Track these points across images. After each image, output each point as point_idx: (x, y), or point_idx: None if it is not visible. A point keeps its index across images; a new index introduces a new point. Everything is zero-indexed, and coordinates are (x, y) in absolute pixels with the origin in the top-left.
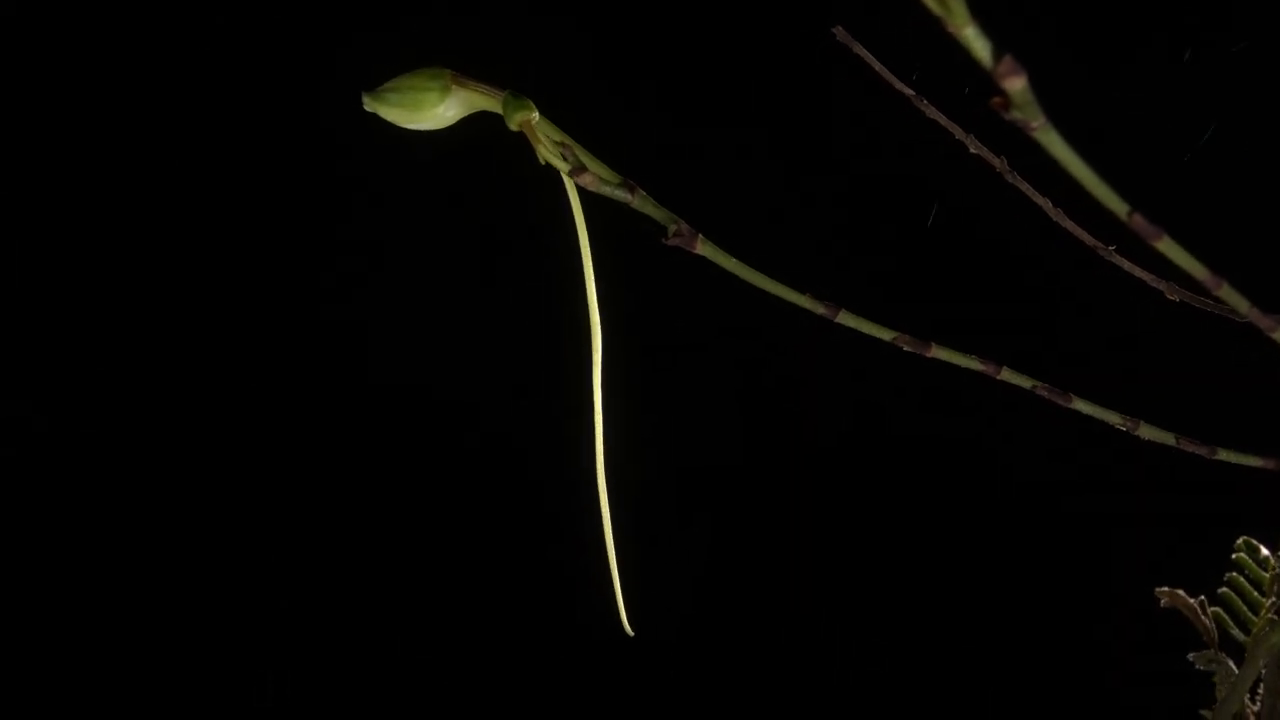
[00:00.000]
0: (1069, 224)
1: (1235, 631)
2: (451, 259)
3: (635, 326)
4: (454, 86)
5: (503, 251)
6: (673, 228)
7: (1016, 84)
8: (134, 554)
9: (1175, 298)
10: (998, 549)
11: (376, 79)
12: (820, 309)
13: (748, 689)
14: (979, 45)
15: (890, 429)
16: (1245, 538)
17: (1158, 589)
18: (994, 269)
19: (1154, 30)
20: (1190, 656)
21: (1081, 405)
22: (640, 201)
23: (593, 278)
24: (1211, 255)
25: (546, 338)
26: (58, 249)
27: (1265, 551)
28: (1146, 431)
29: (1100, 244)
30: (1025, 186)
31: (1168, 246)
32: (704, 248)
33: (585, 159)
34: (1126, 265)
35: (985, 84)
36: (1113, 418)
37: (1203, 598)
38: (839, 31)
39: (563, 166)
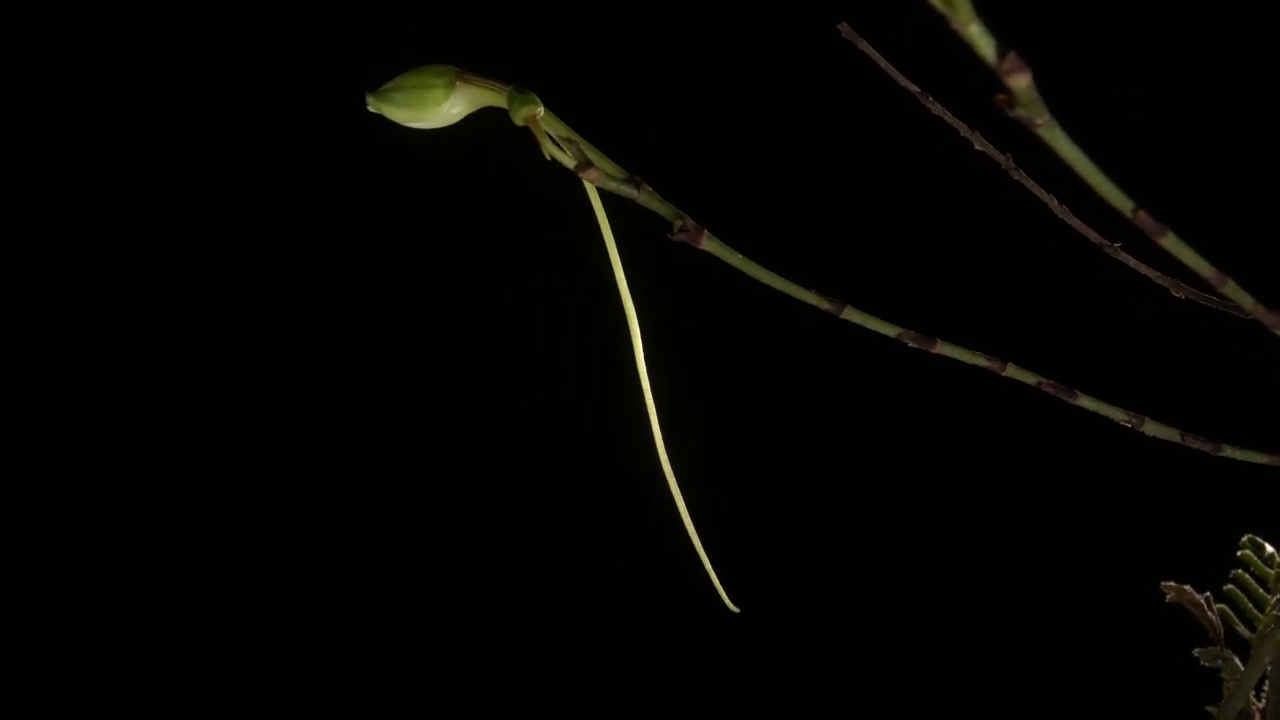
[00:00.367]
0: (1074, 221)
1: (1241, 628)
2: (451, 259)
3: (645, 327)
4: (459, 83)
5: (503, 251)
6: (678, 223)
7: (1021, 81)
8: (134, 554)
9: (1180, 294)
10: (1001, 546)
11: (377, 79)
12: (825, 304)
13: (750, 685)
14: (983, 42)
15: (893, 426)
16: (1250, 535)
17: (1163, 583)
18: (995, 268)
19: (1154, 30)
20: (1196, 652)
21: (1086, 402)
22: (646, 197)
23: (623, 276)
24: (1215, 254)
25: (547, 337)
26: (58, 249)
27: (1270, 549)
28: (1151, 428)
29: (1106, 241)
30: (1030, 183)
31: (1172, 243)
32: (709, 243)
33: (591, 154)
34: (1132, 262)
35: (989, 81)
36: (1118, 414)
37: (1208, 594)
38: (844, 28)
39: (569, 162)
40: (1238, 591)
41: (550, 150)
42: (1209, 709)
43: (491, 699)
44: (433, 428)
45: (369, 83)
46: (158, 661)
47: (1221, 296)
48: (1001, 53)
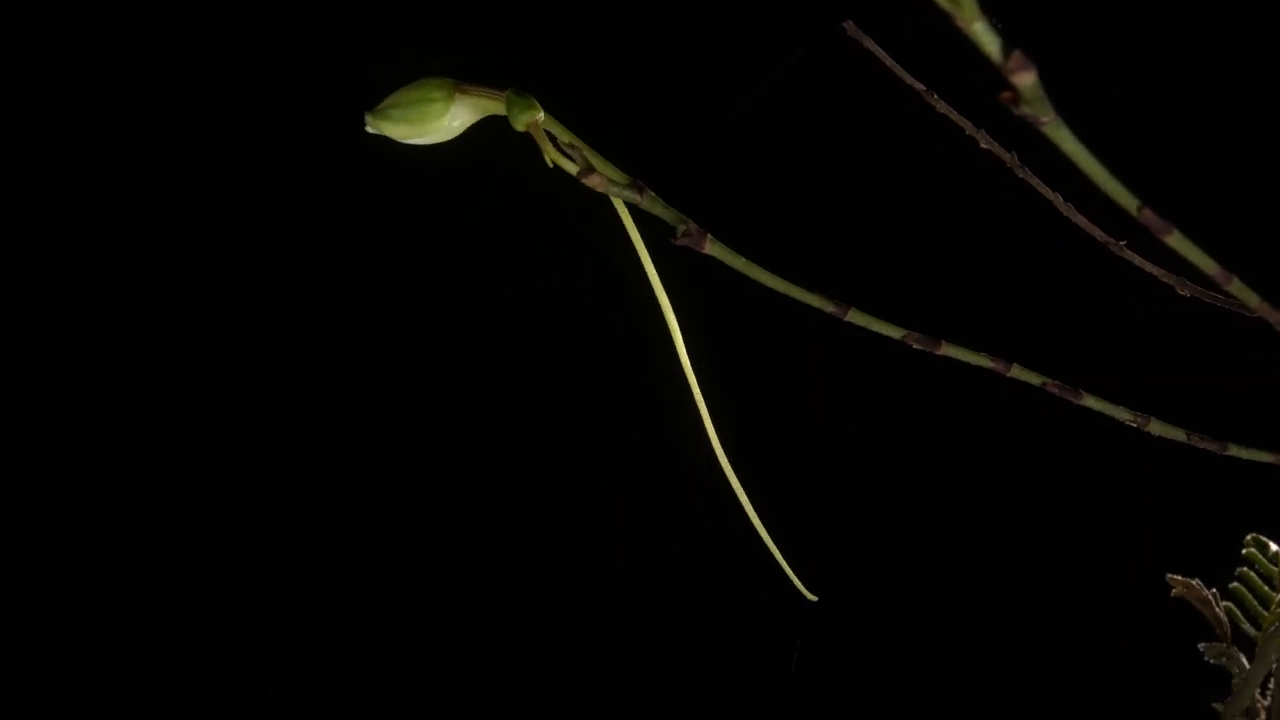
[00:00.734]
0: (1080, 219)
1: (1246, 626)
2: (451, 259)
3: (644, 326)
4: (458, 94)
5: (503, 251)
6: (681, 228)
7: (1026, 79)
8: (134, 554)
9: (1186, 292)
10: (1006, 547)
11: (376, 79)
12: (830, 307)
13: (751, 686)
14: (988, 40)
15: (895, 427)
16: (1254, 534)
17: (1170, 576)
18: (996, 268)
19: (1154, 30)
20: (1201, 647)
21: (1091, 402)
22: (649, 202)
23: (658, 280)
24: (1217, 254)
25: (547, 337)
26: (58, 249)
27: (1275, 547)
28: (1157, 427)
29: (1111, 239)
30: (1036, 181)
31: (1178, 242)
32: (713, 248)
33: (594, 159)
34: (1138, 260)
35: (992, 80)
36: (1123, 414)
37: (1214, 590)
38: (849, 26)
39: (571, 168)
40: (1243, 589)
41: (552, 155)
42: (1215, 706)
43: (492, 699)
44: (433, 428)
45: (369, 89)
46: (158, 661)
47: (1227, 295)
48: (1006, 51)
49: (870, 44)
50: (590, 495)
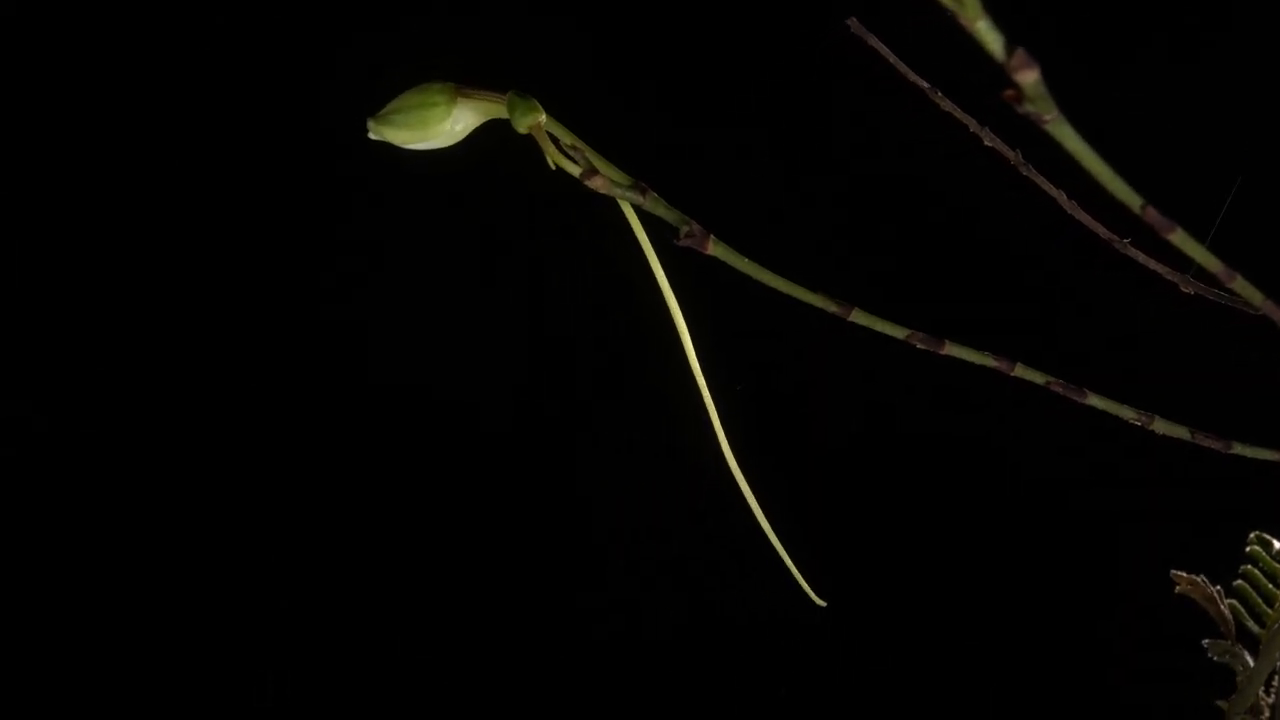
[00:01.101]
0: (1083, 216)
1: (1250, 624)
2: (451, 259)
3: (644, 326)
4: (459, 98)
5: (503, 251)
6: (684, 229)
7: (1029, 77)
8: (134, 554)
9: (1189, 290)
10: (1009, 546)
11: (376, 80)
12: (833, 308)
13: (751, 685)
14: (991, 39)
15: (899, 427)
16: (1258, 532)
17: (1174, 573)
18: (998, 267)
19: (1154, 30)
20: (1206, 644)
21: (1096, 401)
22: (651, 203)
23: (668, 285)
24: (1218, 253)
25: (547, 337)
26: (58, 249)
27: (1279, 545)
28: (1161, 426)
29: (1115, 236)
30: (1041, 179)
31: (1182, 240)
32: (716, 248)
33: (596, 161)
34: (1141, 257)
35: (995, 78)
36: (1127, 413)
37: (1219, 587)
38: (853, 23)
39: (574, 170)
40: (1247, 587)
41: (555, 157)
42: (1219, 703)
43: (492, 699)
44: (433, 428)
45: (370, 90)
46: (158, 661)
47: (1230, 292)
48: (1010, 49)
49: (874, 41)
50: (590, 495)
